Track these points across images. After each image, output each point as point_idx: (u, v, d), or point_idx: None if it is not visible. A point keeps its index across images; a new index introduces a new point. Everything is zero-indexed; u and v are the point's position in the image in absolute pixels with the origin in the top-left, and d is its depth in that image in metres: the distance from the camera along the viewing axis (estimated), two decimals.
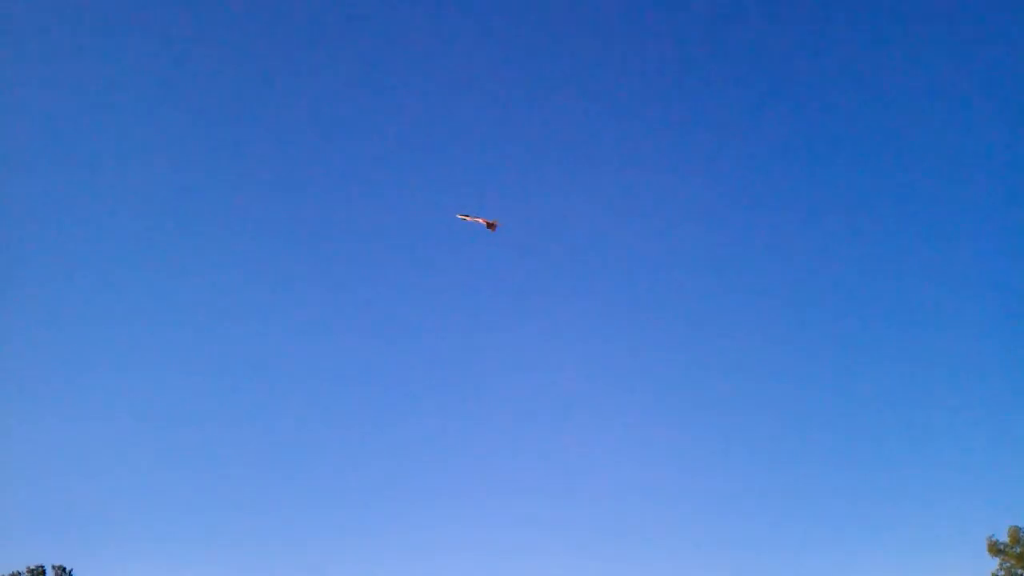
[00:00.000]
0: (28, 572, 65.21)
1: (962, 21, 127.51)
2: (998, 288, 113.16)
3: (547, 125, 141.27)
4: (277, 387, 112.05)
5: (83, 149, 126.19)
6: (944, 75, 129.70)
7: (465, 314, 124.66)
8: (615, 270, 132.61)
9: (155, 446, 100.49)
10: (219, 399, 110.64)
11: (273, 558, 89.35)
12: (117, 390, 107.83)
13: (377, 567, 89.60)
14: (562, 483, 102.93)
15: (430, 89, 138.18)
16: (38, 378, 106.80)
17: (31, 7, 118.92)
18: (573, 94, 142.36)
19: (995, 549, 53.99)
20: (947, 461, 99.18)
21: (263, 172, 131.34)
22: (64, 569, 66.37)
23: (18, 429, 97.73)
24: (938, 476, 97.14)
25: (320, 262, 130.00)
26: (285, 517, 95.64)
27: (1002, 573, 53.78)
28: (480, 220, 43.51)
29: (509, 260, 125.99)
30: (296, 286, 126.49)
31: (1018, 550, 53.09)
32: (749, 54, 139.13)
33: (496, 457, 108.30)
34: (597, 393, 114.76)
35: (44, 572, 65.99)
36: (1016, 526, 53.97)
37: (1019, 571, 53.20)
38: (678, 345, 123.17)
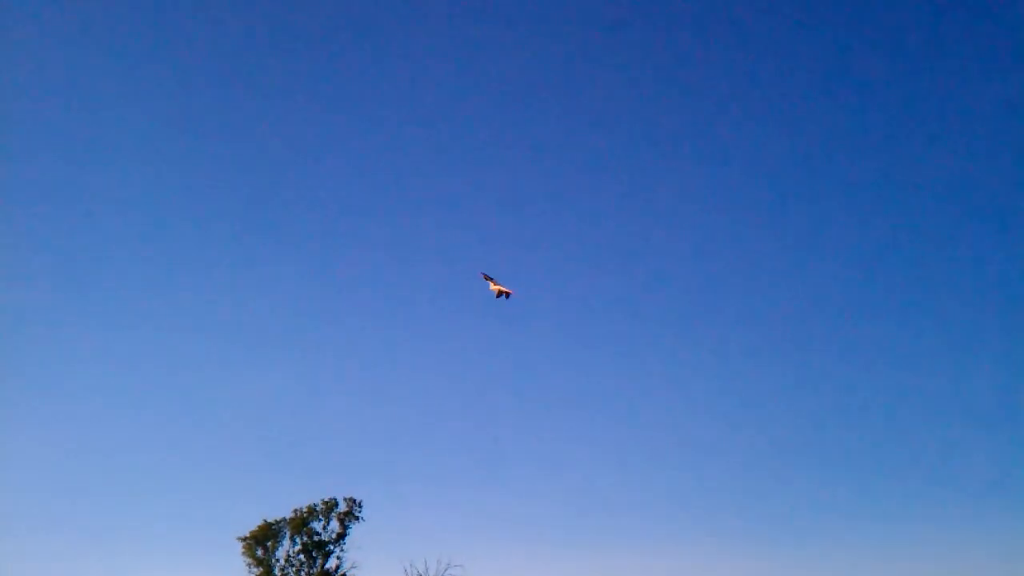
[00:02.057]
0: (323, 504, 69.83)
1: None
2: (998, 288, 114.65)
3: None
4: None
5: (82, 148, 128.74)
6: (944, 75, 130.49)
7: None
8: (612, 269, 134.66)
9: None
10: None
11: None
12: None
13: None
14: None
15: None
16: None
17: (31, 7, 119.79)
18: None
19: None
20: None
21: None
22: (354, 500, 70.29)
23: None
24: None
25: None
26: None
27: None
28: (501, 289, 42.50)
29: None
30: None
31: None
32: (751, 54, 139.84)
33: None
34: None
35: (336, 504, 69.97)
36: None
37: None
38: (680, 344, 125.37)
